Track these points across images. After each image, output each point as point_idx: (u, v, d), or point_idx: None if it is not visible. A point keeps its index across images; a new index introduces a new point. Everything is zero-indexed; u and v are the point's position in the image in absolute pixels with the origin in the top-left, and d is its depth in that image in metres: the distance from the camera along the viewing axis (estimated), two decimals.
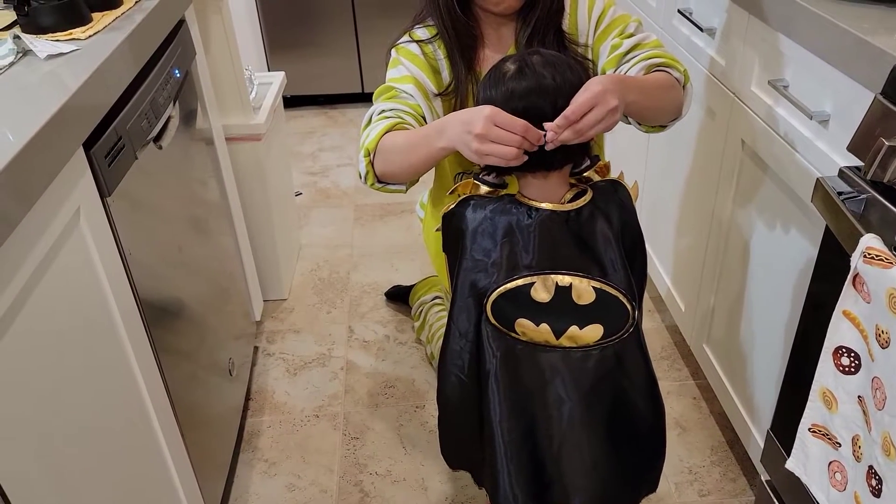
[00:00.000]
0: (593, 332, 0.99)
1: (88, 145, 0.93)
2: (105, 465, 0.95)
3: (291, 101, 3.13)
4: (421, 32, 1.24)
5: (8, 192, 0.72)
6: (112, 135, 0.99)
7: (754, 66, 1.29)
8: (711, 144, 1.50)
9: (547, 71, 0.95)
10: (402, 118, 1.14)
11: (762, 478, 1.22)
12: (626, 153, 2.11)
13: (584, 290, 0.97)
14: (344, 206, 2.50)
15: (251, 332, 1.82)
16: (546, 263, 0.97)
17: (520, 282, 0.97)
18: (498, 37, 1.24)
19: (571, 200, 1.00)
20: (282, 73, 2.07)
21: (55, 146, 0.83)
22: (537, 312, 0.99)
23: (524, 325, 1.00)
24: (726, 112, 1.41)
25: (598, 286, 0.97)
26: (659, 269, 1.85)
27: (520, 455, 1.06)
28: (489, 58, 1.24)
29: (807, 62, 1.12)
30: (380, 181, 1.14)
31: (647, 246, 1.99)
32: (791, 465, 0.96)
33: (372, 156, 1.11)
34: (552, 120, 0.92)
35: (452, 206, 1.04)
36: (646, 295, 2.02)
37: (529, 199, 1.00)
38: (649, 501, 1.45)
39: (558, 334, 0.99)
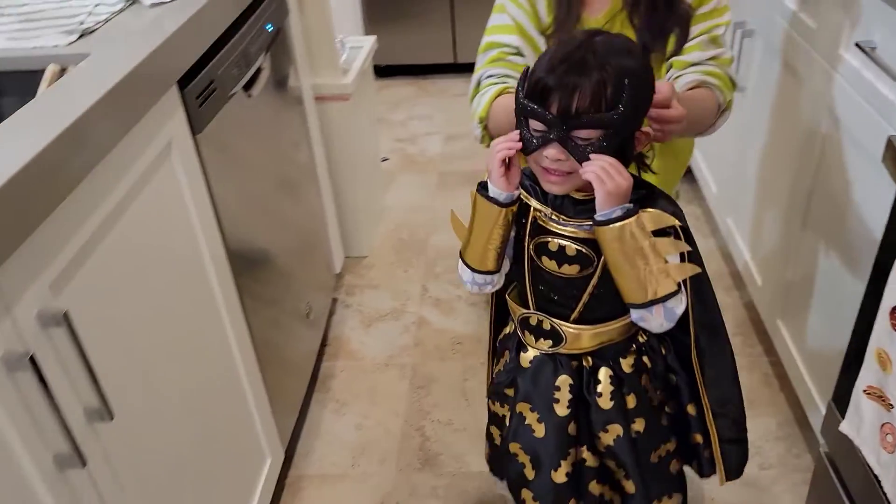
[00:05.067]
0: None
1: (182, 85, 1.03)
2: (191, 391, 1.05)
3: (385, 71, 3.21)
4: None
5: (108, 114, 0.81)
6: (205, 78, 1.08)
7: (843, 27, 1.24)
8: (795, 111, 1.45)
9: (593, 55, 0.84)
10: (507, 83, 1.22)
11: (821, 449, 1.20)
12: None
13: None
14: (428, 173, 2.56)
15: (331, 284, 1.91)
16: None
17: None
18: None
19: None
20: (373, 38, 2.14)
21: (152, 81, 0.93)
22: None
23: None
24: (814, 77, 1.36)
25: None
26: (739, 242, 1.81)
27: None
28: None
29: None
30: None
31: (728, 219, 1.94)
32: (845, 427, 0.95)
33: (486, 122, 1.23)
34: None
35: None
36: (724, 270, 1.98)
37: None
38: None
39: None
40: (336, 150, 1.94)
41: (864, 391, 0.91)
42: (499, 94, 1.21)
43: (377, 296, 1.99)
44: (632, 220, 0.85)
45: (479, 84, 1.27)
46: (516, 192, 0.94)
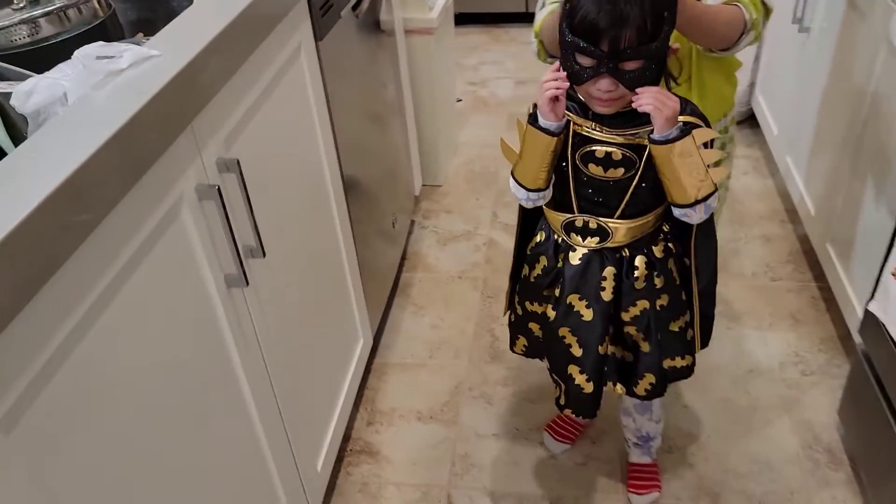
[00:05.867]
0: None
1: None
2: (313, 261, 1.25)
3: (459, 19, 3.33)
4: None
5: (255, 17, 0.99)
6: None
7: None
8: (855, 47, 1.54)
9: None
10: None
11: (858, 348, 1.33)
12: (776, 63, 2.15)
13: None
14: (499, 114, 2.71)
15: (410, 207, 2.10)
16: None
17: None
18: None
19: None
20: None
21: None
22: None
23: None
24: (875, 12, 1.45)
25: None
26: (796, 178, 1.92)
27: None
28: None
29: None
30: (550, 56, 1.33)
31: (787, 157, 2.03)
32: (873, 307, 1.08)
33: (540, 36, 1.30)
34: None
35: None
36: (780, 206, 2.09)
37: None
38: (751, 373, 1.58)
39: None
40: (419, 85, 2.10)
41: (893, 273, 1.04)
42: (553, 12, 1.27)
43: (451, 219, 2.17)
44: (687, 138, 0.99)
45: (544, 3, 1.35)
46: (564, 120, 1.06)
